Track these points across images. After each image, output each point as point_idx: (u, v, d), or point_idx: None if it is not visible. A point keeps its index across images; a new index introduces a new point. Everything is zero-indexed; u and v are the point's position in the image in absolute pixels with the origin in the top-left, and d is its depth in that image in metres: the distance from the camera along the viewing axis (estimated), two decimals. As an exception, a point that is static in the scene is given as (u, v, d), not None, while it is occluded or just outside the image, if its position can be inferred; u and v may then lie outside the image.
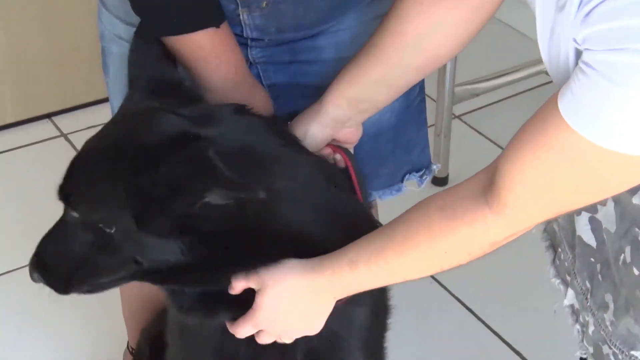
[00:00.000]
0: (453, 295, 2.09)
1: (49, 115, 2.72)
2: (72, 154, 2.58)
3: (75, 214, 1.07)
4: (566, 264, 1.21)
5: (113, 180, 1.01)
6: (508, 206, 0.92)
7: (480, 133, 2.67)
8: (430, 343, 1.97)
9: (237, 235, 1.04)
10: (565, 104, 0.83)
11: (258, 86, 1.26)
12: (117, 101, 1.36)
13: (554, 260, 1.26)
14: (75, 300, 2.06)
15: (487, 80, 2.54)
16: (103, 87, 2.68)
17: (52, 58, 2.64)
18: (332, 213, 1.12)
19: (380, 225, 1.21)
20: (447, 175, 2.43)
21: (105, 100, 2.69)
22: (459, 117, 2.71)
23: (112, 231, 1.03)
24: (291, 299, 1.08)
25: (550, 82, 2.93)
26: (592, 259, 1.11)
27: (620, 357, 1.09)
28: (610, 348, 1.11)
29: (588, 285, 1.16)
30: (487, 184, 0.95)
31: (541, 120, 0.87)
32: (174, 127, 1.03)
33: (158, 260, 1.04)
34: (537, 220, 0.96)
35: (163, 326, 1.49)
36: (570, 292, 1.22)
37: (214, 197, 0.97)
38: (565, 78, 0.86)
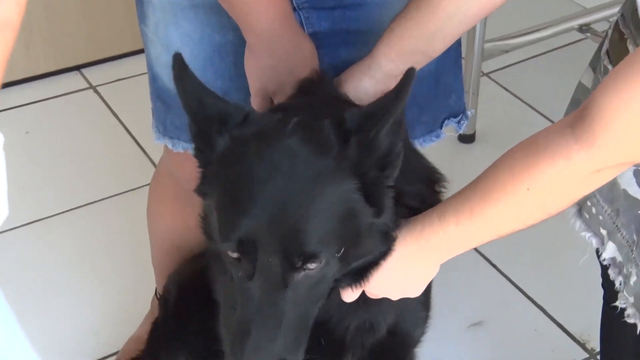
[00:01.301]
0: (478, 251, 2.10)
1: (78, 67, 2.74)
2: (100, 105, 2.62)
3: (313, 265, 0.96)
4: (601, 217, 1.21)
5: (338, 196, 0.96)
6: (598, 140, 0.89)
7: (509, 91, 2.64)
8: (453, 297, 1.98)
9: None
10: None
11: (304, 35, 1.26)
12: (155, 50, 1.37)
13: (579, 213, 1.26)
14: (105, 249, 2.10)
15: (518, 36, 2.51)
16: (132, 39, 2.72)
17: (83, 11, 2.65)
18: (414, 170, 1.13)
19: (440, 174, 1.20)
20: (474, 133, 2.42)
21: (134, 53, 2.75)
22: (487, 74, 2.69)
23: (339, 254, 0.98)
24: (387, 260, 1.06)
25: (583, 39, 2.89)
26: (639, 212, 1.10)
27: None
28: None
29: (635, 237, 1.16)
30: (576, 119, 0.92)
31: None
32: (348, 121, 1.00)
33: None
34: (624, 159, 0.93)
35: (195, 272, 1.51)
36: (611, 245, 1.21)
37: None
38: None
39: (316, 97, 1.16)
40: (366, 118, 0.97)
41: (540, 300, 2.00)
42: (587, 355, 1.88)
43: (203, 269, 1.51)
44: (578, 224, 1.25)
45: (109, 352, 1.87)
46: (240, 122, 1.00)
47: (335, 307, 1.13)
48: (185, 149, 1.42)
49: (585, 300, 1.99)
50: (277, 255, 0.94)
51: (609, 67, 1.17)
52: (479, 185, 1.00)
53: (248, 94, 1.35)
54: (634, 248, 1.17)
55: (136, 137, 2.46)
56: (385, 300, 1.13)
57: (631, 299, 1.19)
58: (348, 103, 1.15)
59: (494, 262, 2.08)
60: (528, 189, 0.95)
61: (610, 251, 1.22)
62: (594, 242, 1.25)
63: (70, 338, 1.91)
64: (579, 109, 0.92)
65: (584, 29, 2.54)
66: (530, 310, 1.98)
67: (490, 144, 2.35)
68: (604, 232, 1.21)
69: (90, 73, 2.73)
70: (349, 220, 0.97)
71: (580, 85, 1.31)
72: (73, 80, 2.70)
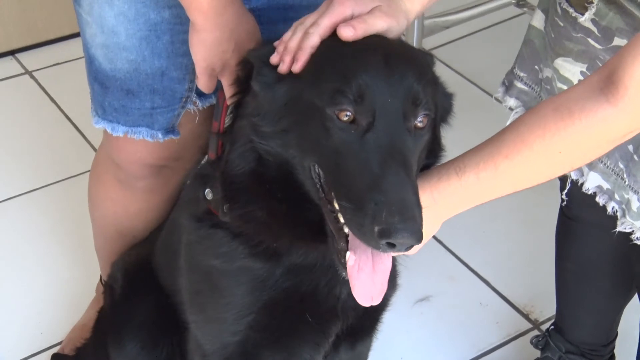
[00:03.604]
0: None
1: (12, 52, 2.68)
2: (37, 91, 2.56)
3: (423, 113, 1.03)
4: None
5: (425, 62, 1.10)
6: (630, 98, 0.93)
7: (450, 67, 2.66)
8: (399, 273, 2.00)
9: None
10: None
11: (246, 10, 1.25)
12: (90, 30, 1.34)
13: None
14: (47, 238, 2.07)
15: (458, 12, 2.53)
16: (68, 23, 2.67)
17: (15, -7, 2.59)
18: None
19: None
20: (417, 110, 2.43)
21: (70, 36, 2.70)
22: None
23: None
24: None
25: (521, 14, 2.90)
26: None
27: None
28: None
29: (621, 165, 1.22)
30: (604, 81, 0.95)
31: None
32: None
33: None
34: None
35: (139, 259, 1.51)
36: (593, 175, 1.28)
37: None
38: None
39: None
40: None
41: (485, 274, 2.03)
42: (530, 326, 1.91)
43: (148, 255, 1.50)
44: None
45: (53, 343, 1.84)
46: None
47: (324, 278, 1.18)
48: (124, 132, 1.40)
49: (528, 272, 2.02)
50: (398, 96, 1.00)
51: (569, 9, 1.23)
52: (505, 143, 1.02)
53: (187, 72, 1.33)
54: (624, 175, 1.22)
55: (75, 123, 2.42)
56: None
57: (637, 224, 1.25)
58: None
59: (439, 237, 2.10)
60: (560, 152, 1.00)
61: (593, 180, 1.28)
62: (573, 175, 1.31)
63: (11, 330, 1.87)
64: (606, 74, 0.96)
65: (521, 3, 2.57)
66: (475, 284, 2.01)
67: (432, 120, 2.37)
68: None
69: (26, 58, 2.67)
70: (434, 88, 1.06)
71: (531, 27, 1.37)
72: (8, 66, 2.64)
